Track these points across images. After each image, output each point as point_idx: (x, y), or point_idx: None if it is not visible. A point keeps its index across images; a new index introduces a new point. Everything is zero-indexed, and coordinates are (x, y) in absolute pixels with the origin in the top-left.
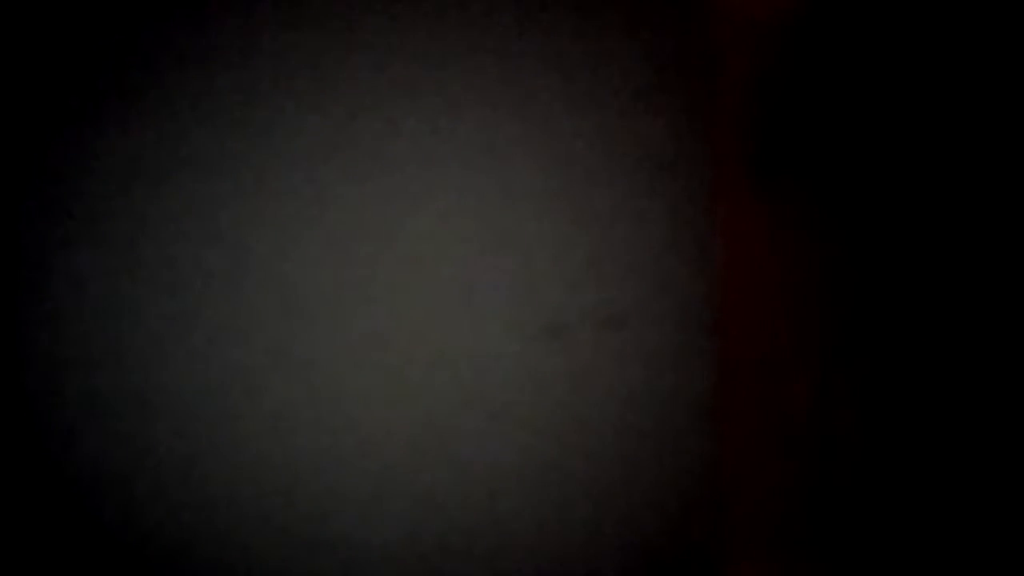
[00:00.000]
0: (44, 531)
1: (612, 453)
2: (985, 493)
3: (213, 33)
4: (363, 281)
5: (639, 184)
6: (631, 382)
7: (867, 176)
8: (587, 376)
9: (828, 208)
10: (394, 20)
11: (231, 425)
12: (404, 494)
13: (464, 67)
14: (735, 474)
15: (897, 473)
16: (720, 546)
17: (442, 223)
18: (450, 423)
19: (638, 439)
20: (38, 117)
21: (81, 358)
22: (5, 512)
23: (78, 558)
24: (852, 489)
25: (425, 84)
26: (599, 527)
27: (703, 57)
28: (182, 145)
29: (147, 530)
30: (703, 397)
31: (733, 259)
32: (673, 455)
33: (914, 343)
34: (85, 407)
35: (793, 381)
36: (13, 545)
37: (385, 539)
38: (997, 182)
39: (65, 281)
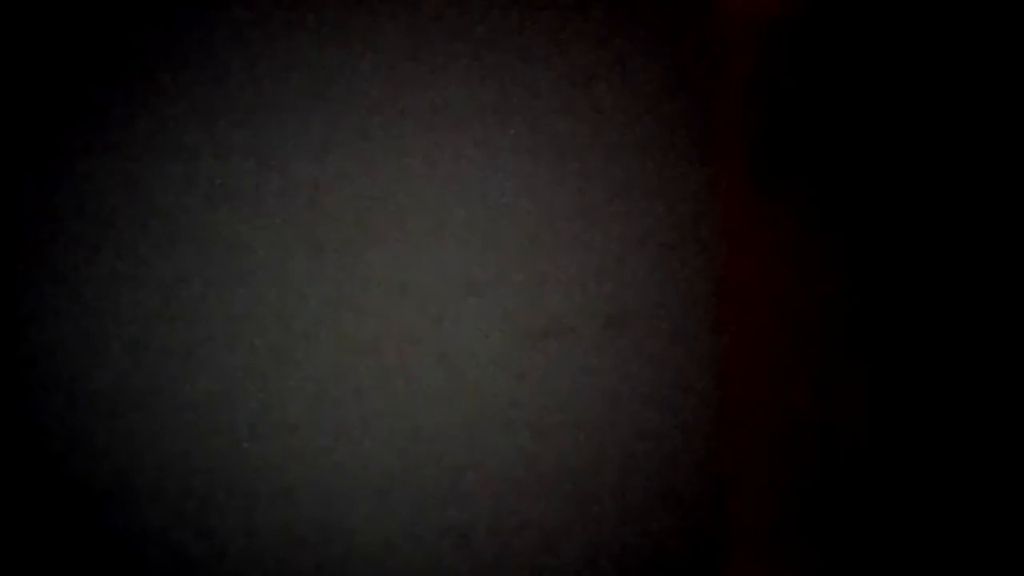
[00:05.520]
0: (44, 531)
1: (612, 453)
2: (986, 492)
3: (215, 33)
4: (363, 281)
5: (639, 183)
6: (631, 382)
7: (867, 175)
8: (587, 376)
9: (828, 207)
10: (395, 20)
11: (231, 425)
12: (404, 494)
13: (464, 67)
14: (735, 474)
15: (897, 472)
16: (720, 546)
17: (442, 223)
18: (450, 423)
19: (638, 439)
20: (38, 117)
21: (81, 358)
22: (5, 512)
23: (78, 558)
24: (852, 489)
25: (425, 84)
26: (599, 527)
27: (703, 57)
28: (182, 145)
29: (147, 530)
30: (703, 397)
31: (733, 259)
32: (673, 455)
33: (915, 342)
34: (85, 407)
35: (793, 381)
36: (13, 545)
37: (385, 538)
38: (998, 180)
39: (65, 281)
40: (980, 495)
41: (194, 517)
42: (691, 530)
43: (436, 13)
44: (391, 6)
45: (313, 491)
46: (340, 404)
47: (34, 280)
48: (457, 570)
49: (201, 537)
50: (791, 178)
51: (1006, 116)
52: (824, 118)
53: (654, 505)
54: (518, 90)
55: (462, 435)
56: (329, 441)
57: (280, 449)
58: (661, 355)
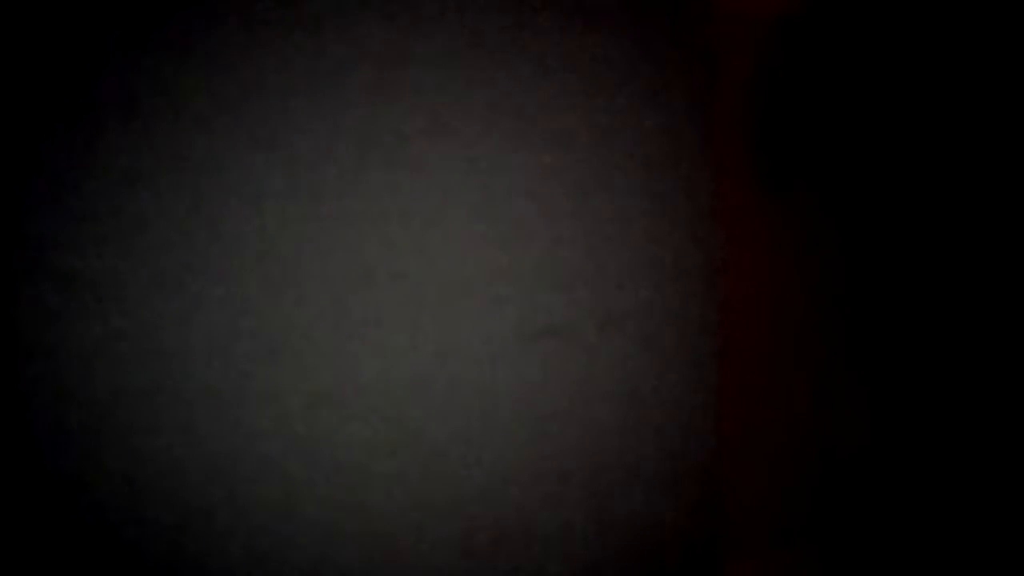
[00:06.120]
0: (44, 531)
1: (612, 453)
2: (985, 491)
3: (214, 33)
4: (364, 281)
5: (639, 184)
6: (631, 382)
7: (867, 175)
8: (587, 376)
9: (828, 207)
10: (394, 20)
11: (231, 425)
12: (404, 494)
13: (464, 67)
14: (735, 474)
15: (897, 471)
16: (720, 544)
17: (442, 223)
18: (450, 423)
19: (638, 439)
20: (38, 117)
21: (81, 358)
22: (5, 512)
23: (78, 558)
24: (852, 487)
25: (424, 84)
26: (599, 527)
27: (703, 57)
28: (182, 145)
29: (147, 530)
30: (703, 397)
31: (733, 259)
32: (673, 455)
33: (915, 342)
34: (86, 407)
35: (793, 381)
36: (13, 545)
37: (385, 538)
38: (998, 180)
39: (65, 281)
40: (980, 495)
41: (194, 517)
42: (691, 530)
43: (435, 13)
44: (391, 5)
45: (312, 492)
46: (339, 404)
47: (34, 280)
48: (456, 570)
49: (201, 537)
50: (791, 178)
51: (1009, 113)
52: (825, 117)
53: (654, 505)
54: (517, 90)
55: (461, 435)
56: (328, 441)
57: (279, 449)
58: (661, 355)
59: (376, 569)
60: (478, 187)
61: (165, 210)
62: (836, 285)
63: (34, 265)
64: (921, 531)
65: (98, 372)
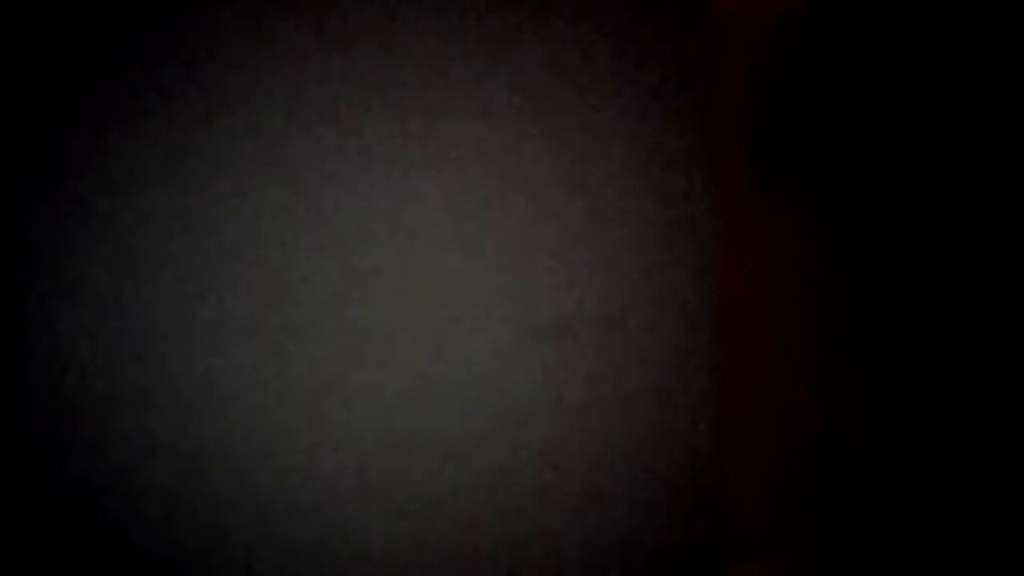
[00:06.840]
0: (43, 531)
1: (612, 453)
2: (986, 492)
3: (214, 33)
4: (363, 281)
5: (639, 184)
6: (631, 382)
7: (867, 175)
8: (587, 376)
9: (828, 207)
10: (394, 20)
11: (231, 425)
12: (404, 494)
13: (463, 67)
14: (735, 474)
15: (897, 472)
16: (720, 545)
17: (442, 223)
18: (450, 423)
19: (638, 439)
20: (38, 117)
21: (81, 358)
22: (4, 512)
23: (77, 558)
24: (852, 488)
25: (424, 84)
26: (599, 527)
27: (703, 57)
28: (183, 145)
29: (147, 530)
30: (703, 397)
31: (733, 259)
32: (673, 455)
33: (914, 342)
34: (85, 407)
35: (793, 381)
36: (13, 545)
37: (384, 539)
38: (998, 180)
39: (65, 281)
40: (980, 495)
41: (194, 517)
42: (691, 530)
43: (433, 12)
44: (391, 5)
45: (312, 491)
46: (340, 405)
47: (34, 280)
48: (456, 571)
49: (201, 537)
50: (791, 176)
51: (1006, 113)
52: (823, 117)
53: (654, 505)
54: (516, 90)
55: (461, 434)
56: (329, 442)
57: (279, 450)
58: (661, 355)
59: (376, 570)
60: (476, 187)
61: (165, 210)
62: (836, 285)
63: (34, 265)
64: (920, 532)
65: (98, 372)
